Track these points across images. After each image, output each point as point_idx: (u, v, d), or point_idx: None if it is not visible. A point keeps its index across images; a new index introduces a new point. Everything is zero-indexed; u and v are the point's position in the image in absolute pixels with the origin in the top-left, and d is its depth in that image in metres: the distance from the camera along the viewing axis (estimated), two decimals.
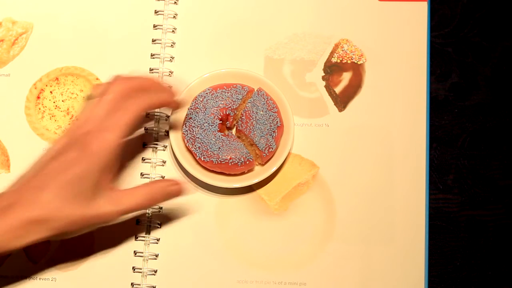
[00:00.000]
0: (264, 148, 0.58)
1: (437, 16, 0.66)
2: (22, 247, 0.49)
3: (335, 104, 0.64)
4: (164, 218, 0.62)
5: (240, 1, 0.66)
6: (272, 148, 0.59)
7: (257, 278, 0.60)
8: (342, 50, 0.65)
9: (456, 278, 0.62)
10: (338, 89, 0.64)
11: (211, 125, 0.59)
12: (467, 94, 0.65)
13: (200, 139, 0.58)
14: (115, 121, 0.51)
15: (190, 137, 0.58)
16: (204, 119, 0.59)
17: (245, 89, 0.60)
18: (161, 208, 0.62)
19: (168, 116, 0.63)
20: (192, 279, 0.60)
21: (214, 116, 0.59)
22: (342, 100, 0.64)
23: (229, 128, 0.61)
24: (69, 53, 0.65)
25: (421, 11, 0.65)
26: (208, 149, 0.58)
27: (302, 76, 0.64)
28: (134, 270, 0.61)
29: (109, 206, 0.52)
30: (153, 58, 0.65)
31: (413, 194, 0.61)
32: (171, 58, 0.65)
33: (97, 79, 0.64)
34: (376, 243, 0.61)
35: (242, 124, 0.59)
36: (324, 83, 0.64)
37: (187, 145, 0.59)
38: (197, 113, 0.59)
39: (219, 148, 0.58)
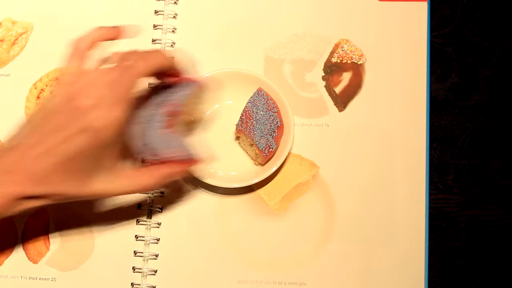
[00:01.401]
0: (264, 148, 0.58)
1: (437, 16, 0.66)
2: (18, 214, 0.49)
3: (335, 104, 0.64)
4: (164, 218, 0.62)
5: (240, 1, 0.66)
6: (272, 148, 0.59)
7: (257, 278, 0.60)
8: (342, 50, 0.65)
9: (456, 278, 0.62)
10: (338, 89, 0.64)
11: (157, 122, 0.54)
12: (467, 94, 0.65)
13: (146, 136, 0.54)
14: (119, 95, 0.49)
15: (138, 135, 0.55)
16: (150, 115, 0.55)
17: (191, 85, 0.56)
18: (161, 208, 0.62)
19: None
20: (192, 279, 0.60)
21: (160, 113, 0.55)
22: (342, 100, 0.64)
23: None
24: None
25: (421, 11, 0.65)
26: (153, 147, 0.54)
27: (302, 76, 0.64)
28: (134, 270, 0.61)
29: (105, 186, 0.51)
30: None
31: (413, 194, 0.61)
32: None
33: None
34: (376, 243, 0.61)
35: (242, 124, 0.59)
36: (324, 83, 0.64)
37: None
38: (144, 109, 0.55)
39: (163, 145, 0.54)
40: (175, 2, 0.66)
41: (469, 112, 0.64)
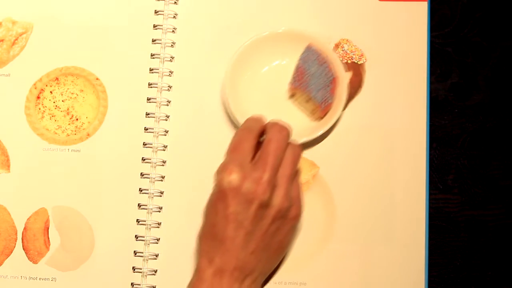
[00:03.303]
0: (321, 102, 0.59)
1: (437, 16, 0.66)
2: None
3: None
4: (164, 218, 0.62)
5: (240, 1, 0.66)
6: (329, 101, 0.59)
7: None
8: (342, 50, 0.65)
9: (456, 278, 0.61)
10: None
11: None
12: (467, 94, 0.65)
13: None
14: (299, 195, 0.56)
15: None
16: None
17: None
18: (161, 208, 0.62)
19: (167, 116, 0.63)
20: None
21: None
22: None
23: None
24: (69, 53, 0.65)
25: (421, 11, 0.65)
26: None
27: None
28: (134, 270, 0.61)
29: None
30: (153, 58, 0.65)
31: (413, 194, 0.61)
32: (171, 58, 0.65)
33: (97, 79, 0.64)
34: (376, 243, 0.61)
35: (296, 82, 0.60)
36: None
37: None
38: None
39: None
40: (175, 2, 0.66)
41: (469, 112, 0.64)
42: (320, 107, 0.59)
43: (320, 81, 0.59)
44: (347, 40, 0.65)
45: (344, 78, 0.60)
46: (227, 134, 0.63)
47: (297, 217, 0.55)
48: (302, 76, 0.60)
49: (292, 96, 0.62)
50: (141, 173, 0.62)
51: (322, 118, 0.61)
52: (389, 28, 0.65)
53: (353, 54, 0.64)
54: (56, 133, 0.63)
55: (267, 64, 0.64)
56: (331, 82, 0.60)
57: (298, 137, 0.59)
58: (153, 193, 0.62)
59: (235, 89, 0.62)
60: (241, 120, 0.59)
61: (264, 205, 0.51)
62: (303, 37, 0.62)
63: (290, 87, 0.61)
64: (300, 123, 0.62)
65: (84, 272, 0.61)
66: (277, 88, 0.63)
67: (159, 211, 0.62)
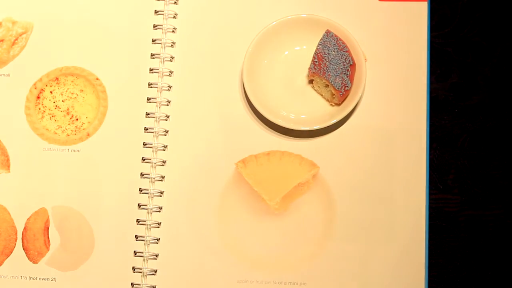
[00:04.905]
0: (340, 87, 0.60)
1: (437, 16, 0.66)
2: None
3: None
4: (164, 218, 0.62)
5: (240, 1, 0.66)
6: (347, 86, 0.60)
7: (257, 278, 0.60)
8: None
9: (456, 278, 0.61)
10: None
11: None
12: (467, 94, 0.65)
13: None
14: None
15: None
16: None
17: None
18: (161, 208, 0.62)
19: (167, 116, 0.63)
20: (192, 279, 0.60)
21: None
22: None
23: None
24: (69, 53, 0.65)
25: (421, 11, 0.65)
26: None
27: None
28: (134, 270, 0.61)
29: None
30: (153, 58, 0.65)
31: (413, 194, 0.61)
32: (171, 58, 0.65)
33: (97, 79, 0.64)
34: (376, 243, 0.61)
35: (316, 67, 0.60)
36: None
37: None
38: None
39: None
40: (175, 2, 0.66)
41: (469, 112, 0.64)
42: (339, 92, 0.60)
43: (339, 66, 0.60)
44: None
45: (362, 64, 0.61)
46: (227, 134, 0.63)
47: None
48: (321, 61, 0.60)
49: (311, 81, 0.63)
50: (141, 173, 0.62)
51: (341, 103, 0.62)
52: (389, 28, 0.65)
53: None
54: (56, 133, 0.63)
55: (287, 49, 0.64)
56: (350, 67, 0.60)
57: (317, 123, 0.59)
58: (153, 193, 0.62)
59: (253, 74, 0.62)
60: (258, 105, 0.60)
61: None
62: (323, 23, 0.62)
63: (309, 72, 0.62)
64: (319, 109, 0.62)
65: (84, 272, 0.61)
66: (296, 74, 0.64)
67: (159, 211, 0.62)
